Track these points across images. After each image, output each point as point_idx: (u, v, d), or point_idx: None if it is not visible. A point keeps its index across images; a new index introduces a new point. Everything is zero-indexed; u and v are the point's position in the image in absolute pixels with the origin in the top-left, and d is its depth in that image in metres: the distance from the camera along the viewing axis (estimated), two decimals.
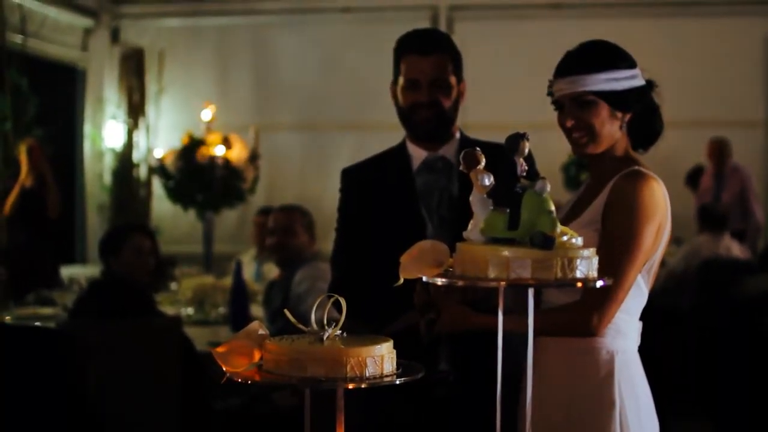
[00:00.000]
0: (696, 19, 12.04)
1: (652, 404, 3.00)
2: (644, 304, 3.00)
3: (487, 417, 3.26)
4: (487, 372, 3.28)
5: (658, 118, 3.08)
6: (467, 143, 3.51)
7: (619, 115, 2.97)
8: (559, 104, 3.01)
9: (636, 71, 2.99)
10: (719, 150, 10.88)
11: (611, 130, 2.97)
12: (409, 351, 2.41)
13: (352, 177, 3.62)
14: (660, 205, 2.91)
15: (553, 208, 2.11)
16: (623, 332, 2.94)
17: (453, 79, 3.49)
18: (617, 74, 2.93)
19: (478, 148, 2.28)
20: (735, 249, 9.14)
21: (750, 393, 7.10)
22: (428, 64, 3.45)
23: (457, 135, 3.57)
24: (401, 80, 3.49)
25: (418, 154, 3.54)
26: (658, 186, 2.93)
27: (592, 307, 2.83)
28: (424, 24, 11.88)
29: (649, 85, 3.03)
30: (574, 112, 2.96)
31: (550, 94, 3.04)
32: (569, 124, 2.97)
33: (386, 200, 3.50)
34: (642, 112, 3.02)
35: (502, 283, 2.07)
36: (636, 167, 2.95)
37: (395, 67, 3.54)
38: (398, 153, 3.59)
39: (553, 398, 2.92)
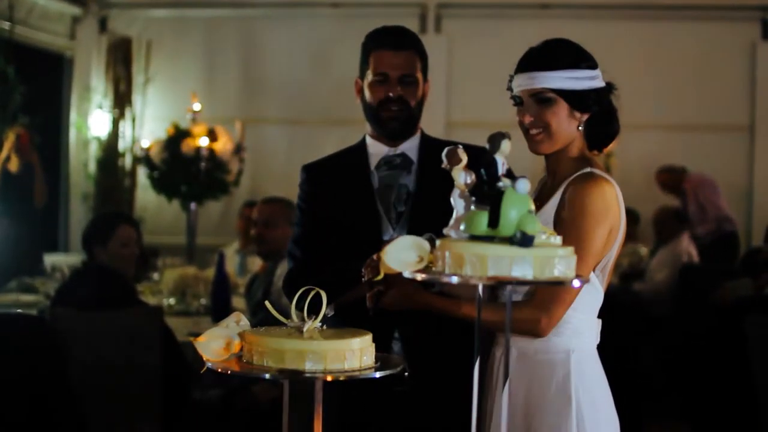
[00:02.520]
0: (684, 23, 12.06)
1: (611, 402, 2.98)
2: (600, 302, 2.99)
3: (446, 410, 3.29)
4: (442, 367, 3.31)
5: (615, 120, 3.06)
6: (428, 141, 3.55)
7: (578, 114, 2.96)
8: (518, 100, 3.00)
9: (597, 72, 2.98)
10: (673, 182, 10.76)
11: (568, 129, 2.97)
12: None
13: (312, 172, 3.63)
14: (611, 207, 2.90)
15: (532, 207, 2.14)
16: (579, 331, 2.93)
17: (420, 77, 3.52)
18: (578, 73, 2.92)
19: (460, 146, 2.30)
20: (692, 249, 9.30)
21: (729, 397, 7.14)
22: (399, 59, 3.47)
23: (418, 133, 3.59)
24: (369, 75, 3.51)
25: (377, 150, 3.56)
26: (611, 188, 2.92)
27: (540, 308, 2.82)
28: (412, 21, 11.89)
29: (609, 87, 3.02)
30: (533, 108, 2.95)
31: (510, 89, 3.03)
32: (527, 120, 2.96)
33: (344, 196, 3.51)
34: (600, 114, 3.00)
35: (481, 281, 2.09)
36: (589, 169, 2.94)
37: (363, 63, 3.56)
38: (358, 149, 3.61)
39: (512, 397, 2.93)
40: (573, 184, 2.92)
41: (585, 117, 2.98)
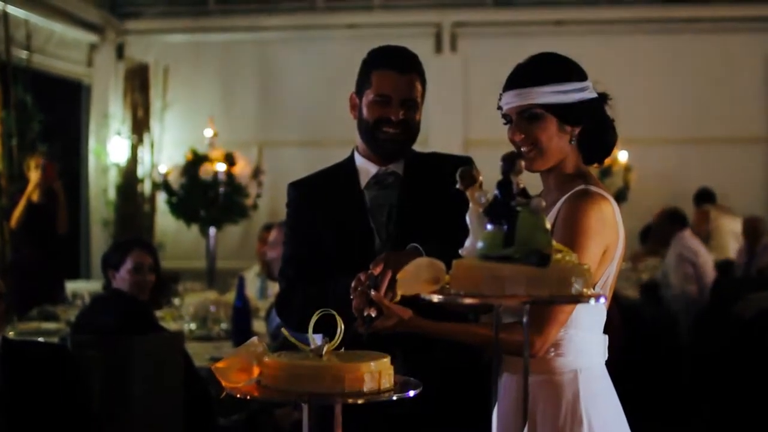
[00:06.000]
0: (698, 36, 12.06)
1: (624, 420, 2.93)
2: (604, 318, 2.94)
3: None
4: (441, 387, 3.26)
5: (611, 131, 2.99)
6: (417, 158, 3.52)
7: (568, 129, 2.90)
8: (508, 118, 2.95)
9: (586, 84, 2.92)
10: (754, 229, 10.58)
11: (559, 144, 2.91)
12: None
13: (299, 190, 3.59)
14: (607, 224, 2.84)
15: (548, 225, 2.13)
16: (584, 350, 2.88)
17: (419, 102, 3.47)
18: (565, 87, 2.87)
19: (475, 166, 2.29)
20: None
21: (752, 408, 7.12)
22: (403, 82, 3.42)
23: None
24: (370, 94, 3.45)
25: (367, 168, 3.51)
26: (607, 205, 2.86)
27: (533, 329, 2.73)
28: (428, 41, 11.94)
29: (602, 98, 2.96)
30: (522, 125, 2.90)
31: (500, 108, 2.97)
32: (517, 138, 2.91)
33: (334, 214, 3.47)
34: (593, 126, 2.94)
35: (498, 301, 2.08)
36: (584, 186, 2.88)
37: (364, 79, 3.50)
38: (347, 167, 3.57)
39: (521, 420, 2.89)
40: (568, 202, 2.86)
41: (577, 130, 2.92)
